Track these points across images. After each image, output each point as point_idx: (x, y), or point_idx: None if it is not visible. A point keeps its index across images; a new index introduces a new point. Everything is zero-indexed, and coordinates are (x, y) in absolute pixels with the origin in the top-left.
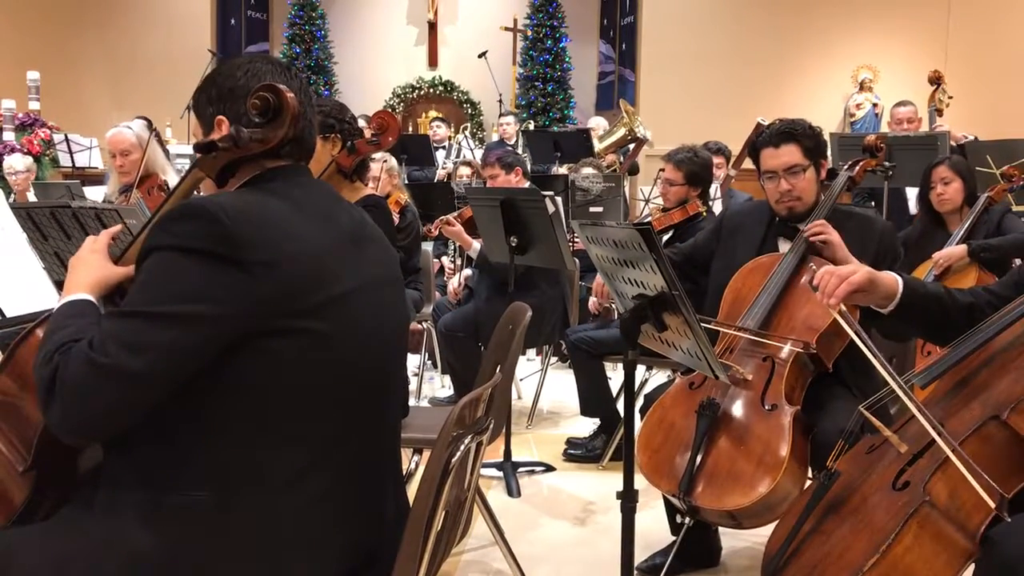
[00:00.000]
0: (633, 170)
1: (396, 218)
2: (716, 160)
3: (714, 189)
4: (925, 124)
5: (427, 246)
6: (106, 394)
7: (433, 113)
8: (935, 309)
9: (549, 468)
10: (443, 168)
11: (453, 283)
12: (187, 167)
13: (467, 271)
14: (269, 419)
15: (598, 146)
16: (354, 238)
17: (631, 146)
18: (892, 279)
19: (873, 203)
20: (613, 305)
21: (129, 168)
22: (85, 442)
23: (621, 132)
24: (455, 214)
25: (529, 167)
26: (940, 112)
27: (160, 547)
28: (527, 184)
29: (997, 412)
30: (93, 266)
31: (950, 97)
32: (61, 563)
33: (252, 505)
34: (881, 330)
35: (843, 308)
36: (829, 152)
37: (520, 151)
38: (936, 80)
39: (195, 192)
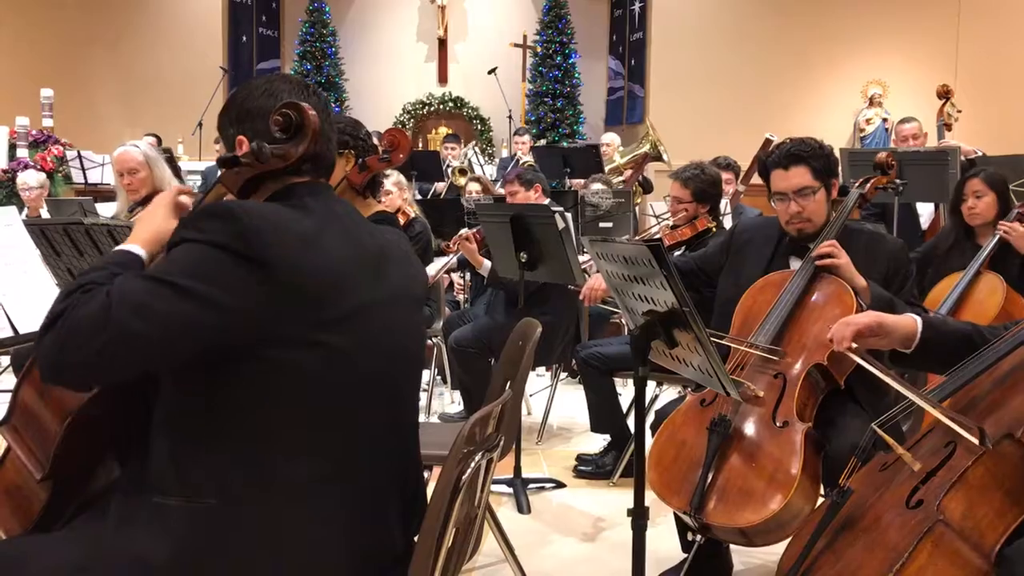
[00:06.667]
0: (648, 187)
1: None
2: (725, 176)
3: (724, 204)
4: (932, 139)
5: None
6: (97, 343)
7: (444, 130)
8: (962, 346)
9: (559, 484)
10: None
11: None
12: (199, 184)
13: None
14: (280, 430)
15: (619, 160)
16: (375, 255)
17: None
18: (909, 320)
19: (884, 221)
20: (623, 321)
21: (137, 186)
22: (59, 383)
23: (646, 147)
24: (475, 230)
25: None
26: (949, 127)
27: (170, 555)
28: (546, 201)
29: (1011, 430)
30: (156, 219)
31: (959, 111)
32: (74, 570)
33: (261, 514)
34: (907, 368)
35: (855, 346)
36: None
37: None
38: (945, 95)
39: None
